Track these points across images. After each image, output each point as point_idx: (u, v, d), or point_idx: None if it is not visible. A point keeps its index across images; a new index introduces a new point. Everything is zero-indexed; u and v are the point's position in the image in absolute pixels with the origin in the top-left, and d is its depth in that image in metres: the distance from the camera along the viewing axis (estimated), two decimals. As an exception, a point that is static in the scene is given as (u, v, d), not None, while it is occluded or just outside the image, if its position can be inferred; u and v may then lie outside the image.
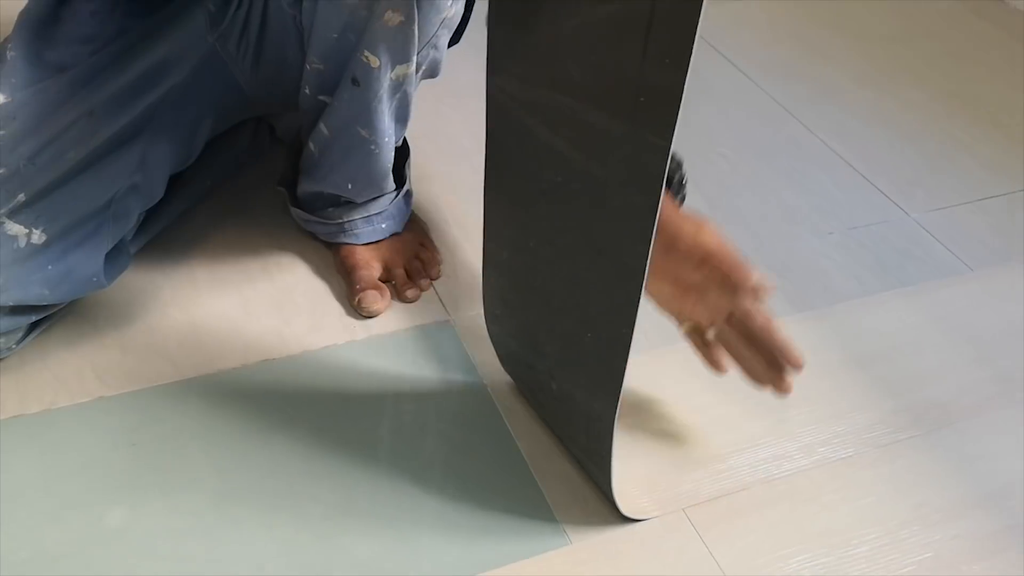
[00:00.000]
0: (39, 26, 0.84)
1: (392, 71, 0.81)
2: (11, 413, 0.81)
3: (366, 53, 0.80)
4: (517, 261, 0.75)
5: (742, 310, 0.75)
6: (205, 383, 0.85)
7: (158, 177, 0.87)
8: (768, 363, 0.75)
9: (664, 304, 0.79)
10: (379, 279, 0.95)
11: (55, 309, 0.85)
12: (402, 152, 0.98)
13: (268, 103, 0.98)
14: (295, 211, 0.99)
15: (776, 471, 0.81)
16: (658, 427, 0.84)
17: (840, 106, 1.30)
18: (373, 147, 0.88)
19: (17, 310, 0.81)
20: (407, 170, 0.99)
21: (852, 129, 1.26)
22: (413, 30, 0.79)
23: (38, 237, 0.79)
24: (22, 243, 0.79)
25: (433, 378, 0.87)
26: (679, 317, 0.79)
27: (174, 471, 0.78)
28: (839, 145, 1.22)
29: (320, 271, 0.98)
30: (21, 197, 0.78)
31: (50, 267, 0.80)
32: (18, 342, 0.84)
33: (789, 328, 0.95)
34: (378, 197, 0.95)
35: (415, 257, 0.98)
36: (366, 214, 0.95)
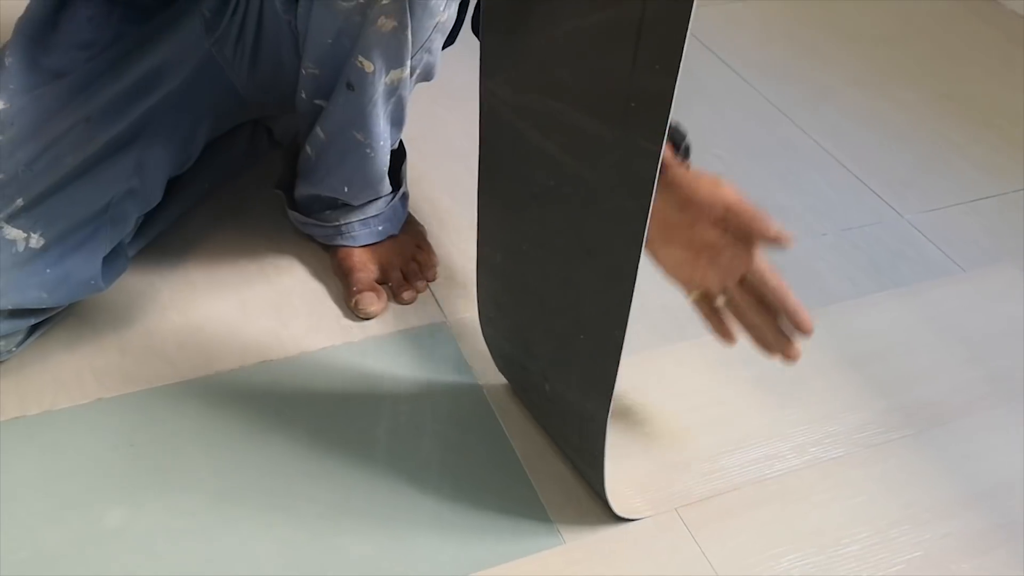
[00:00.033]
0: (37, 32, 0.85)
1: (386, 75, 0.82)
2: (11, 415, 0.82)
3: (360, 58, 0.81)
4: (510, 264, 0.75)
5: (758, 270, 0.74)
6: (203, 384, 0.86)
7: (156, 181, 0.88)
8: (778, 329, 0.74)
9: (674, 271, 0.78)
10: (376, 281, 0.96)
11: (54, 312, 0.85)
12: (398, 155, 0.99)
13: (265, 105, 0.99)
14: (292, 214, 1.00)
15: (768, 471, 0.82)
16: (651, 428, 0.85)
17: (834, 107, 1.31)
18: (368, 150, 0.88)
19: (16, 313, 0.81)
20: (403, 173, 1.00)
21: (846, 130, 1.26)
22: (407, 35, 0.79)
23: (36, 241, 0.80)
24: (20, 247, 0.79)
25: (429, 379, 0.88)
26: (689, 284, 0.78)
27: (172, 471, 0.79)
28: (833, 146, 1.23)
29: (317, 273, 0.99)
30: (19, 202, 0.79)
31: (48, 271, 0.81)
32: (18, 345, 0.85)
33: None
34: (374, 200, 0.96)
35: (411, 259, 0.98)
36: (363, 217, 0.96)
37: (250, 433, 0.82)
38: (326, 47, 0.82)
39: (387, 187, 0.96)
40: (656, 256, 0.78)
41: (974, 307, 1.00)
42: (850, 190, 1.16)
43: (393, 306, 0.95)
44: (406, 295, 0.95)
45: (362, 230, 0.96)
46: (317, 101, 0.88)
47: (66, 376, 0.86)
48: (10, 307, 0.80)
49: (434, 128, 1.20)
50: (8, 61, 0.83)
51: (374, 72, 0.81)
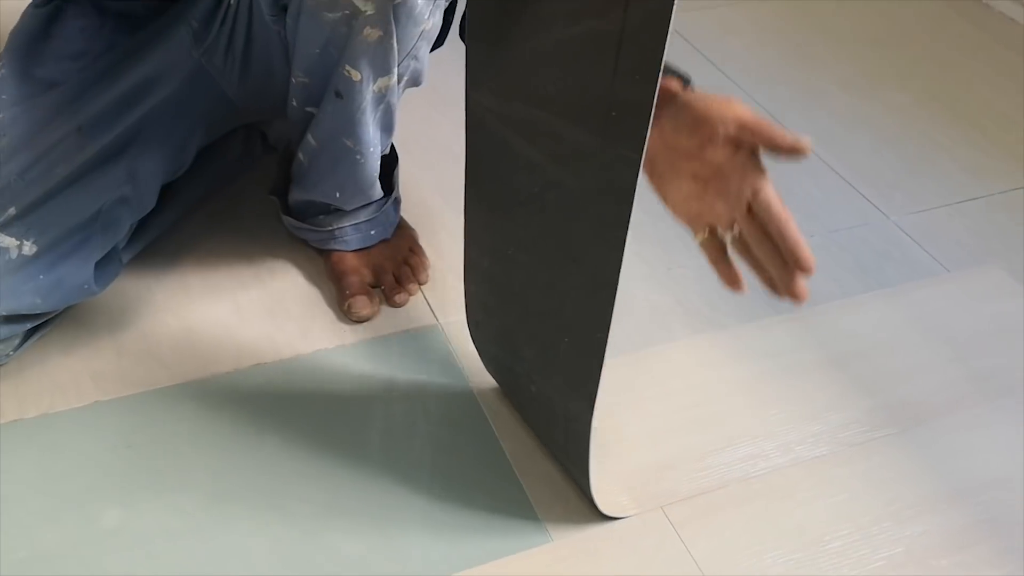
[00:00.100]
0: (30, 43, 0.86)
1: (374, 84, 0.83)
2: (10, 418, 0.83)
3: (347, 67, 0.82)
4: (496, 268, 0.77)
5: (765, 196, 0.71)
6: (199, 387, 0.87)
7: (149, 188, 0.89)
8: (784, 265, 0.70)
9: (682, 206, 0.75)
10: (368, 284, 0.97)
11: (50, 316, 0.87)
12: (390, 160, 1.00)
13: (258, 111, 1.00)
14: (286, 219, 1.01)
15: (752, 469, 0.83)
16: (637, 427, 0.86)
17: (824, 110, 1.32)
18: (359, 157, 0.90)
19: (12, 318, 0.83)
20: (395, 177, 1.01)
21: (835, 133, 1.27)
22: (392, 44, 0.80)
23: (29, 248, 0.81)
24: (13, 255, 0.81)
25: (421, 381, 0.89)
26: (697, 221, 0.75)
27: (168, 472, 0.80)
28: (821, 149, 1.24)
29: (311, 277, 1.00)
30: (12, 211, 0.81)
31: (41, 277, 0.82)
32: (15, 349, 0.86)
33: (769, 330, 0.97)
34: (367, 205, 0.97)
35: (404, 263, 1.00)
36: (355, 221, 0.97)
37: (245, 434, 0.83)
38: (314, 57, 0.83)
39: (379, 192, 0.97)
40: (664, 193, 0.75)
41: (959, 307, 1.01)
42: (838, 192, 1.17)
43: (385, 309, 0.97)
44: (398, 298, 0.97)
45: (355, 234, 0.98)
46: (308, 109, 0.89)
47: (64, 379, 0.87)
48: (5, 312, 0.81)
49: (426, 132, 1.21)
50: (1, 72, 0.85)
51: (362, 81, 0.83)
